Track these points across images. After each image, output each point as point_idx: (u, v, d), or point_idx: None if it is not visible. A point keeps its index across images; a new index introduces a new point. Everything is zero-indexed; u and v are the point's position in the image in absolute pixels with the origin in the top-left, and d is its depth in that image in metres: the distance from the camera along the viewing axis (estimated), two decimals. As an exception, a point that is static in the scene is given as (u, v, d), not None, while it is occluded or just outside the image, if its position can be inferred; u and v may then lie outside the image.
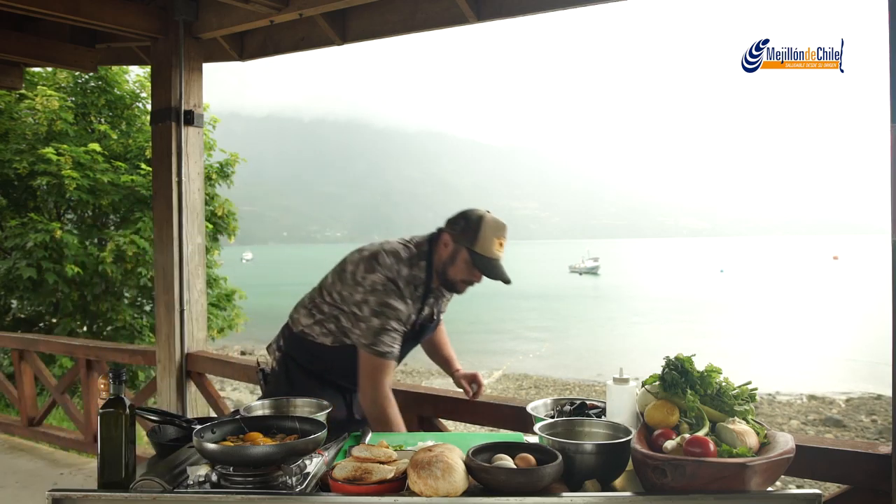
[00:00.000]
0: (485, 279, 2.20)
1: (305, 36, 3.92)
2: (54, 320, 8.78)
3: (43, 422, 5.22)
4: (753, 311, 33.35)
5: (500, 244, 2.17)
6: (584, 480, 1.44)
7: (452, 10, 3.30)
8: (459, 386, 2.62)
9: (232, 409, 2.70)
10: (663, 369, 1.62)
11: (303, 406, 1.99)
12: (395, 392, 3.19)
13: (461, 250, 2.16)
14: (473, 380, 2.59)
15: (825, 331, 26.38)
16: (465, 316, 27.99)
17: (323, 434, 1.52)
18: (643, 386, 1.68)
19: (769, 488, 1.38)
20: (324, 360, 2.27)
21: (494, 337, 25.23)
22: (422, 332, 2.35)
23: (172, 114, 3.94)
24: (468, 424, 3.79)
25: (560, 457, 1.42)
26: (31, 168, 8.07)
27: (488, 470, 1.37)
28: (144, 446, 3.74)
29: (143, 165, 8.51)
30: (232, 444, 1.49)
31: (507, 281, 2.18)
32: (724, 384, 1.59)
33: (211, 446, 1.42)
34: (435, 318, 2.39)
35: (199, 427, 1.56)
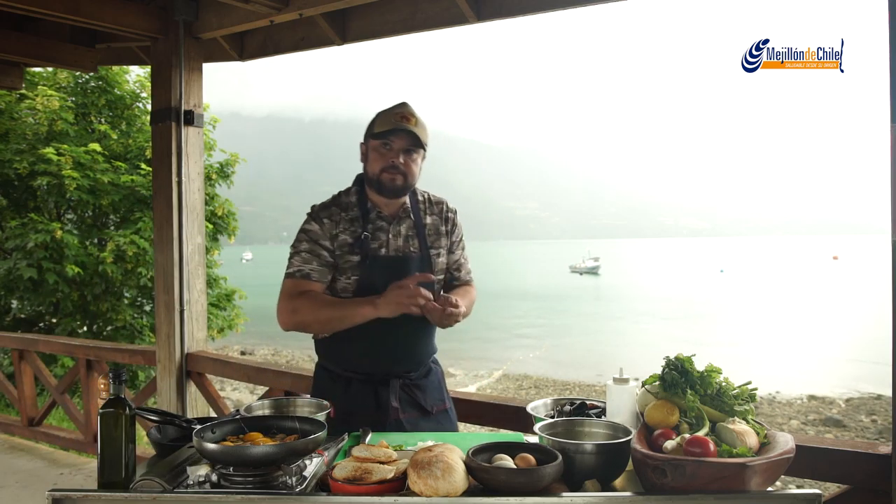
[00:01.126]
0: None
1: (305, 36, 3.92)
2: (54, 320, 8.79)
3: (43, 422, 5.22)
4: (753, 311, 33.36)
5: (402, 116, 2.07)
6: (584, 480, 1.44)
7: (452, 10, 3.30)
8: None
9: (232, 409, 2.70)
10: (663, 369, 1.61)
11: (303, 406, 1.99)
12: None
13: (368, 142, 2.14)
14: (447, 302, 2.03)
15: (825, 331, 26.38)
16: (465, 316, 27.94)
17: (323, 434, 1.51)
18: (643, 386, 1.68)
19: (769, 488, 1.38)
20: (330, 353, 2.20)
21: (495, 337, 25.23)
22: (402, 263, 2.12)
23: (172, 114, 3.94)
24: (468, 424, 3.80)
25: (560, 457, 1.42)
26: (32, 168, 8.08)
27: (488, 470, 1.37)
28: (144, 446, 3.75)
29: (143, 165, 8.52)
30: (232, 444, 1.49)
31: (418, 142, 2.07)
32: (724, 384, 1.58)
33: (211, 446, 1.42)
34: (413, 250, 2.16)
35: (199, 427, 1.56)
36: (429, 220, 2.24)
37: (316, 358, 2.31)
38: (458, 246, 2.32)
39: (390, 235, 2.15)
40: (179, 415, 1.92)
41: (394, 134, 2.06)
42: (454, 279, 2.32)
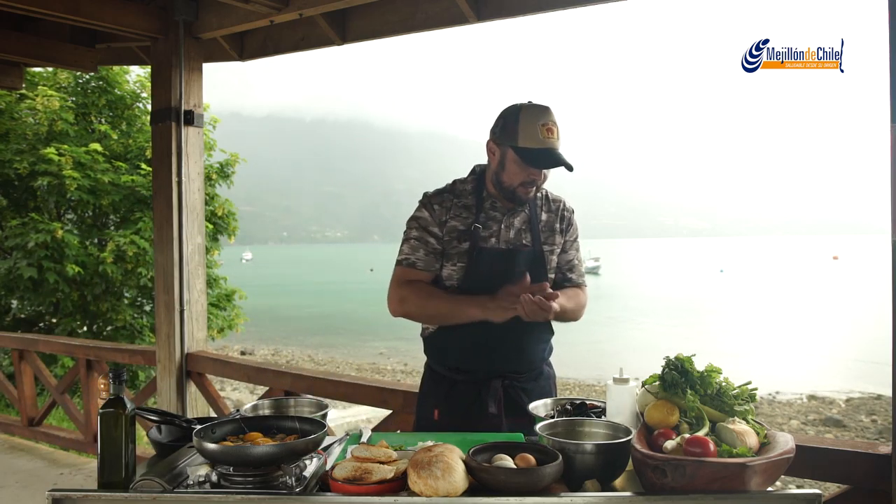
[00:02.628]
0: (553, 174, 2.03)
1: (305, 36, 3.92)
2: (54, 320, 8.79)
3: (43, 422, 5.22)
4: (753, 311, 33.34)
5: (548, 129, 1.95)
6: (584, 480, 1.44)
7: (452, 10, 3.31)
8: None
9: (232, 409, 2.70)
10: (663, 369, 1.61)
11: (303, 406, 1.99)
12: (396, 392, 3.20)
13: (507, 151, 2.00)
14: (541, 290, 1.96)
15: (825, 331, 26.36)
16: (464, 316, 27.91)
17: (323, 434, 1.51)
18: (643, 386, 1.68)
19: (769, 488, 1.38)
20: (434, 351, 2.18)
21: (494, 337, 25.13)
22: (511, 256, 2.06)
23: (172, 114, 3.94)
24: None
25: (560, 457, 1.42)
26: (32, 168, 8.08)
27: (488, 470, 1.37)
28: (144, 446, 3.75)
29: (144, 165, 8.52)
30: (232, 445, 1.49)
31: (568, 167, 1.95)
32: (724, 384, 1.58)
33: (211, 446, 1.41)
34: (525, 243, 2.10)
35: (199, 427, 1.56)
36: (544, 216, 2.17)
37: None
38: (571, 245, 2.23)
39: (503, 226, 2.09)
40: (179, 415, 1.91)
41: (541, 154, 1.96)
42: (566, 280, 2.23)
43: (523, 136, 1.96)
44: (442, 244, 2.09)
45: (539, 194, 2.17)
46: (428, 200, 2.12)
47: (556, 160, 1.96)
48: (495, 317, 1.96)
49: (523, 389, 2.11)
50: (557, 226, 2.18)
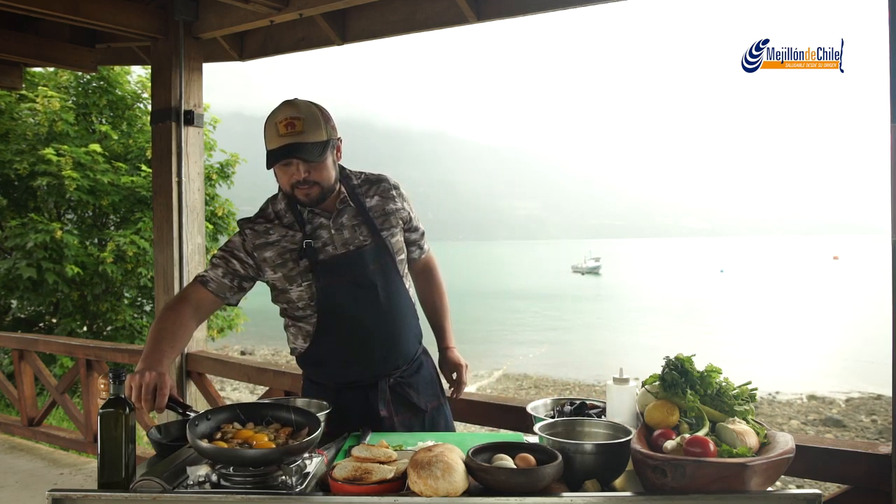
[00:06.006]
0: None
1: (305, 36, 3.93)
2: (54, 320, 8.80)
3: (43, 422, 5.22)
4: (753, 311, 33.34)
5: (287, 124, 1.84)
6: (584, 480, 1.44)
7: (452, 10, 3.31)
8: (441, 371, 2.30)
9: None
10: (663, 369, 1.61)
11: (302, 406, 1.98)
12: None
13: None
14: (456, 370, 2.28)
15: (825, 331, 26.36)
16: (466, 315, 28.00)
17: (319, 434, 1.51)
18: (643, 386, 1.68)
19: (769, 488, 1.38)
20: (313, 370, 2.15)
21: (495, 336, 25.22)
22: (355, 258, 1.99)
23: (172, 114, 3.94)
24: (468, 424, 3.80)
25: (560, 457, 1.42)
26: (32, 168, 8.10)
27: (488, 470, 1.37)
28: (144, 446, 3.75)
29: (144, 166, 8.53)
30: (227, 447, 1.49)
31: (307, 158, 1.84)
32: (724, 384, 1.59)
33: (206, 445, 1.42)
34: (363, 239, 2.01)
35: (192, 416, 1.57)
36: (372, 202, 2.07)
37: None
38: (411, 218, 2.16)
39: (333, 231, 2.00)
40: (188, 405, 1.90)
41: (279, 151, 1.85)
42: (420, 250, 2.25)
43: (267, 141, 1.88)
44: (253, 270, 2.03)
45: (357, 181, 2.09)
46: (241, 227, 2.05)
47: (294, 151, 1.84)
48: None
49: (409, 385, 2.10)
50: (390, 206, 2.08)
